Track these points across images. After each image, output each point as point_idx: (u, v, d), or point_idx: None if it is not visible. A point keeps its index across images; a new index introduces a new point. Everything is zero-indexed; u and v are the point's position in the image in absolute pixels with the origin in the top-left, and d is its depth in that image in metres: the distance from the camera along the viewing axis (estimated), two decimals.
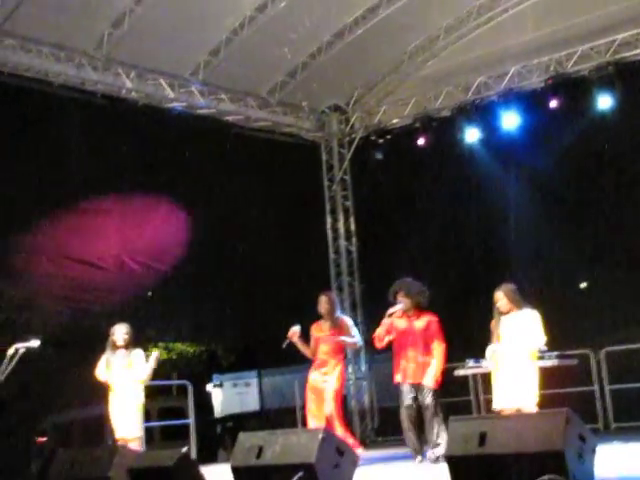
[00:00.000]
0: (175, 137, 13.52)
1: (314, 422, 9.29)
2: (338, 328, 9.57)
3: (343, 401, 9.83)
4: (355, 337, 9.64)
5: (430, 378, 9.05)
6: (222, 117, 14.14)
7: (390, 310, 9.19)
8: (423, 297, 9.23)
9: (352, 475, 6.16)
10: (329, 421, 9.19)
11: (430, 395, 9.03)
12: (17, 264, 13.83)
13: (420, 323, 9.18)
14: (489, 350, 8.46)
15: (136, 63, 12.76)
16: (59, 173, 12.53)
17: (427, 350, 9.13)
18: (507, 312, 8.37)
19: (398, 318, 9.21)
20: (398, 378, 9.23)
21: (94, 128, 12.67)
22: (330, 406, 9.35)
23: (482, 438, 5.51)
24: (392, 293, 9.31)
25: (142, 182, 13.23)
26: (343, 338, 9.53)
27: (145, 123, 13.07)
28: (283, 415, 15.91)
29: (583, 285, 13.58)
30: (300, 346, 9.60)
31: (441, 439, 8.81)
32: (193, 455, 10.83)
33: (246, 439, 6.48)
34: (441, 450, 8.63)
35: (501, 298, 8.39)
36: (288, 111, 14.86)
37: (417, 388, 9.11)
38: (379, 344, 9.35)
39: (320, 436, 6.02)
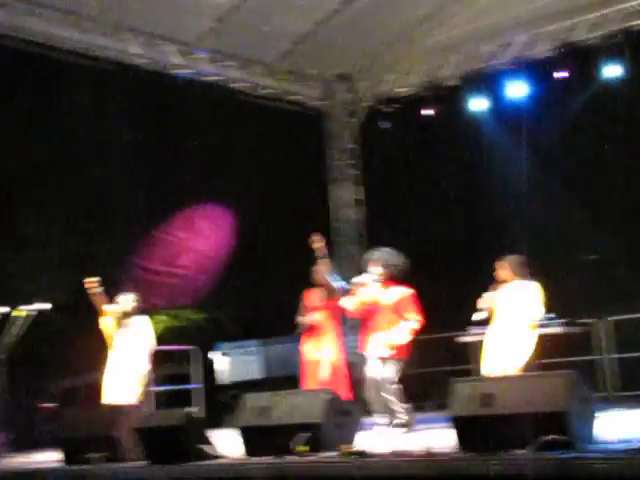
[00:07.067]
0: (181, 104, 13.50)
1: None
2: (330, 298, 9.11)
3: (346, 369, 9.26)
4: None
5: (384, 348, 8.43)
6: (228, 84, 14.07)
7: (354, 279, 8.70)
8: (397, 270, 8.64)
9: (355, 435, 6.21)
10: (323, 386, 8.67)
11: (389, 368, 8.42)
12: (27, 232, 13.88)
13: (389, 296, 8.60)
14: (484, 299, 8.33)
15: (143, 29, 12.69)
16: (68, 139, 12.55)
17: (395, 324, 8.50)
18: (506, 281, 8.35)
19: (367, 287, 8.63)
20: (363, 349, 8.69)
21: (102, 94, 12.67)
22: (325, 372, 9.01)
23: (486, 399, 5.54)
24: (366, 261, 8.78)
25: (147, 149, 13.25)
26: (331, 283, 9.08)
27: (151, 89, 13.05)
28: (287, 383, 15.91)
29: (592, 257, 13.54)
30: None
31: (392, 412, 8.32)
32: None
33: (252, 400, 6.53)
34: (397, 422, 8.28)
35: (504, 267, 8.40)
36: (294, 79, 14.78)
37: (379, 361, 8.50)
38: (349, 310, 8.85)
39: (325, 396, 6.07)
